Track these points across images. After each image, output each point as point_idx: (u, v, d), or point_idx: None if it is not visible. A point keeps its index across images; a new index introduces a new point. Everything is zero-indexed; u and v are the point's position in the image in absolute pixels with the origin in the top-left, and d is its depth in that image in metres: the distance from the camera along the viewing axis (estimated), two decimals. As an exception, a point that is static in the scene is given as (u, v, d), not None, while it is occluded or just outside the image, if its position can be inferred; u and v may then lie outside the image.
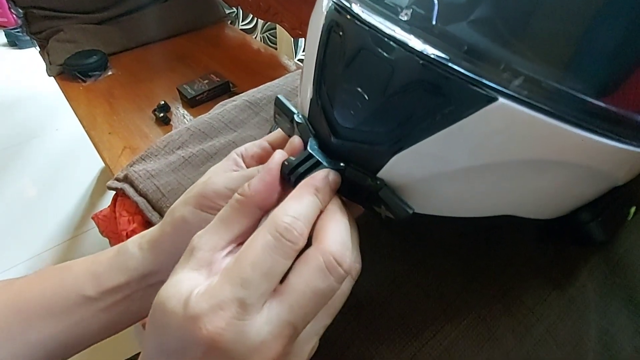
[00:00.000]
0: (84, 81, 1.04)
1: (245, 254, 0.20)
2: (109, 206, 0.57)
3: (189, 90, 0.96)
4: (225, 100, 0.62)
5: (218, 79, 1.00)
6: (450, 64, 0.20)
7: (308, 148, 0.25)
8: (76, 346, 0.29)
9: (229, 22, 1.35)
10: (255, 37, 1.33)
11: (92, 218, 0.60)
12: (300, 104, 0.29)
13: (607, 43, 0.20)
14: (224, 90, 0.99)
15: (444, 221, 0.25)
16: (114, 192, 0.55)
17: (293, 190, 0.23)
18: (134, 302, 0.29)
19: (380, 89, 0.22)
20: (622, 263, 0.34)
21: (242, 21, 1.36)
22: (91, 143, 0.89)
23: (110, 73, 1.08)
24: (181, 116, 0.95)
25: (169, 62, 1.13)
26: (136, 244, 0.29)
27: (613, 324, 0.31)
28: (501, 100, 0.19)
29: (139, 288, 0.29)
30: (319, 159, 0.24)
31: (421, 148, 0.22)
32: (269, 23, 1.29)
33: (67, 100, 1.01)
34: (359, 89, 0.23)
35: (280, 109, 0.28)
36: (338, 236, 0.21)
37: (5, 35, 2.25)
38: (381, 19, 0.22)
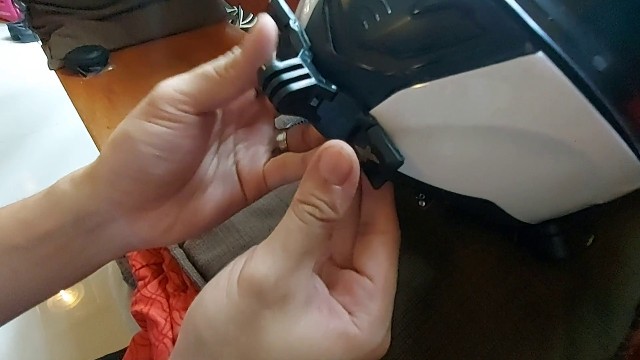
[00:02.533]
0: (85, 76, 1.06)
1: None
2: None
3: (187, 88, 0.97)
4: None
5: (216, 77, 1.01)
6: None
7: (299, 57, 0.21)
8: (14, 305, 0.26)
9: (230, 21, 1.36)
10: (255, 37, 1.34)
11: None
12: (299, 15, 0.25)
13: None
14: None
15: (425, 190, 0.24)
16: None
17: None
18: (74, 254, 0.25)
19: (407, 3, 0.19)
20: (591, 263, 0.35)
21: (242, 20, 1.38)
22: (90, 137, 0.91)
23: (110, 69, 1.09)
24: (179, 113, 0.96)
25: (169, 60, 1.14)
26: (67, 180, 0.25)
27: (581, 321, 0.32)
28: (540, 54, 0.17)
29: (77, 234, 0.25)
30: (309, 72, 0.20)
31: (431, 89, 0.19)
32: (269, 23, 1.30)
33: (67, 94, 1.02)
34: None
35: (275, 12, 0.23)
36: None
37: (9, 29, 2.27)
38: None
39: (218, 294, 0.21)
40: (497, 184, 0.22)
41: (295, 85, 0.20)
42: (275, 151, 0.31)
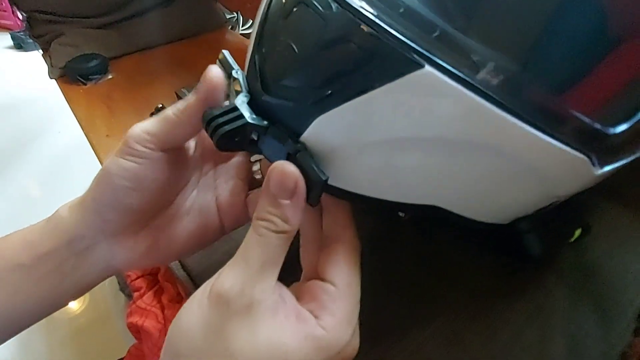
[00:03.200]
0: (85, 84, 1.06)
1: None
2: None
3: (187, 94, 0.97)
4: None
5: (215, 84, 1.01)
6: (379, 22, 0.20)
7: (235, 101, 0.24)
8: (16, 321, 0.29)
9: (230, 27, 1.36)
10: (255, 42, 1.34)
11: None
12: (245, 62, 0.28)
13: (560, 34, 0.20)
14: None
15: (374, 203, 0.25)
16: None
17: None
18: (66, 273, 0.28)
19: (310, 43, 0.22)
20: (592, 269, 0.34)
21: (242, 26, 1.38)
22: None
23: (110, 77, 1.10)
24: (178, 120, 0.96)
25: (169, 67, 1.15)
26: (67, 207, 0.29)
27: (580, 329, 0.32)
28: (428, 68, 0.19)
29: (69, 256, 0.28)
30: (242, 112, 0.24)
31: (343, 112, 0.21)
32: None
33: (67, 103, 1.03)
34: (292, 42, 0.23)
35: (223, 65, 0.28)
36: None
37: (12, 38, 2.29)
38: None
39: (191, 309, 0.23)
40: (434, 189, 0.24)
41: (228, 127, 0.23)
42: (253, 181, 0.34)
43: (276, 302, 0.23)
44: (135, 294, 0.42)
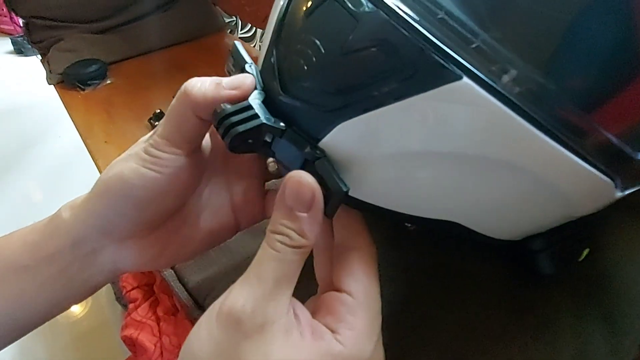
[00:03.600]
0: (83, 90, 1.05)
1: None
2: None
3: (185, 99, 0.97)
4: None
5: (214, 88, 1.00)
6: (418, 27, 0.18)
7: (249, 99, 0.23)
8: (21, 323, 0.28)
9: (229, 31, 1.36)
10: (254, 46, 1.34)
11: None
12: (259, 57, 0.27)
13: (596, 54, 0.19)
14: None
15: (388, 215, 0.24)
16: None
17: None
18: (72, 276, 0.27)
19: (338, 43, 0.20)
20: (599, 282, 0.33)
21: (241, 30, 1.38)
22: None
23: (109, 82, 1.09)
24: (177, 125, 0.96)
25: (168, 71, 1.14)
26: (68, 207, 0.27)
27: (588, 343, 0.31)
28: (466, 80, 0.18)
29: (74, 258, 0.26)
30: (257, 112, 0.22)
31: (369, 120, 0.20)
32: (267, 32, 1.30)
33: (66, 109, 1.02)
34: (317, 41, 0.21)
35: (235, 59, 0.26)
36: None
37: (12, 43, 2.29)
38: None
39: (201, 330, 0.21)
40: (453, 205, 0.23)
41: (242, 127, 0.21)
42: (268, 176, 0.31)
43: (290, 320, 0.21)
44: (131, 306, 0.41)
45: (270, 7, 0.26)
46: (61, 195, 1.53)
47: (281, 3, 0.24)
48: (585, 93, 0.19)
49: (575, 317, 0.32)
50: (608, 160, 0.21)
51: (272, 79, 0.23)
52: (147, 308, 0.40)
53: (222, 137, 0.22)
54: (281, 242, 0.21)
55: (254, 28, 1.34)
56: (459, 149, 0.20)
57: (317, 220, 0.21)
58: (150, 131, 0.88)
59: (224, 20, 1.34)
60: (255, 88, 0.24)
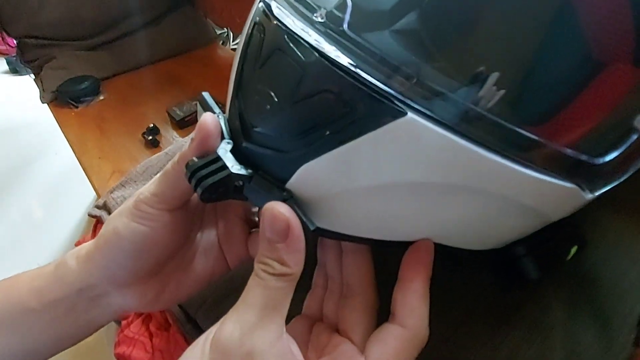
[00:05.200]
0: (76, 107, 1.06)
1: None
2: (91, 234, 0.57)
3: (178, 112, 0.97)
4: (204, 124, 0.62)
5: (207, 100, 1.00)
6: (358, 71, 0.19)
7: (217, 150, 0.24)
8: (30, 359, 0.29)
9: (221, 42, 1.37)
10: (246, 56, 1.34)
11: (75, 245, 0.60)
12: (226, 106, 0.28)
13: (531, 67, 0.19)
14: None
15: (360, 241, 0.25)
16: (95, 220, 0.56)
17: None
18: (78, 316, 0.29)
19: (289, 92, 0.21)
20: (588, 279, 0.33)
21: (233, 41, 1.38)
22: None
23: (102, 98, 1.09)
24: (170, 138, 0.96)
25: (160, 85, 1.14)
26: (74, 257, 0.29)
27: (580, 342, 0.31)
28: (410, 115, 0.18)
29: (80, 301, 0.28)
30: (225, 163, 0.23)
31: (328, 160, 0.21)
32: (259, 42, 1.31)
33: (59, 127, 1.02)
34: (270, 91, 0.22)
35: (203, 108, 0.27)
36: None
37: (7, 62, 2.30)
38: (298, 19, 0.22)
39: (196, 351, 0.22)
40: (426, 227, 0.24)
41: (211, 180, 0.23)
42: (252, 222, 0.33)
43: (283, 353, 0.21)
44: (123, 323, 0.41)
45: None
46: (61, 212, 1.52)
47: (239, 54, 0.25)
48: (533, 109, 0.19)
49: (565, 316, 0.32)
50: (567, 169, 0.21)
51: (236, 128, 0.24)
52: (139, 324, 0.39)
53: (194, 190, 0.23)
54: (265, 271, 0.22)
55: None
56: (415, 179, 0.20)
57: (295, 248, 0.22)
58: (143, 146, 0.88)
59: (216, 32, 1.34)
60: (223, 137, 0.25)
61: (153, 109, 1.04)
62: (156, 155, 0.58)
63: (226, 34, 1.41)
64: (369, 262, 0.27)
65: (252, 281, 0.22)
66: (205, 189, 0.22)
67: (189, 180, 0.23)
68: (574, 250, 0.29)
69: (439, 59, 0.19)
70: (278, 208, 0.21)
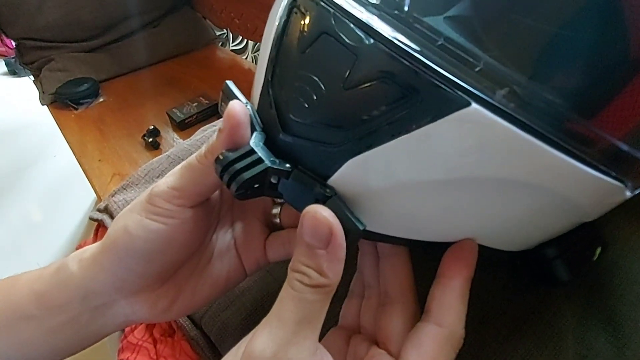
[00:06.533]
0: (76, 109, 1.05)
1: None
2: (92, 237, 0.57)
3: (178, 114, 0.97)
4: (207, 126, 0.62)
5: (207, 102, 1.00)
6: (420, 57, 0.18)
7: (250, 142, 0.22)
8: None
9: (220, 43, 1.36)
10: (246, 58, 1.34)
11: (77, 249, 0.60)
12: (252, 95, 0.26)
13: (595, 61, 0.18)
14: (213, 112, 1.00)
15: (402, 243, 0.24)
16: (97, 223, 0.55)
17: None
18: (81, 326, 0.26)
19: (339, 80, 0.20)
20: (599, 284, 0.33)
21: (232, 42, 1.38)
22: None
23: (101, 100, 1.09)
24: (171, 140, 0.95)
25: (160, 87, 1.14)
26: (76, 260, 0.26)
27: (591, 349, 0.30)
28: (474, 106, 0.17)
29: (84, 310, 0.26)
30: (261, 156, 0.21)
31: (381, 153, 0.19)
32: (259, 43, 1.31)
33: (59, 129, 1.02)
34: (316, 78, 0.20)
35: (227, 97, 0.24)
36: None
37: (5, 64, 2.30)
38: (348, 0, 0.20)
39: None
40: (469, 227, 0.22)
41: (248, 174, 0.20)
42: (272, 224, 0.31)
43: None
44: (127, 329, 0.40)
45: (260, 20, 0.25)
46: (60, 215, 1.51)
47: (272, 39, 0.23)
48: (594, 103, 0.19)
49: (577, 322, 0.31)
50: (619, 166, 0.20)
51: (271, 118, 0.22)
52: (143, 330, 0.39)
53: (228, 186, 0.21)
54: (300, 281, 0.20)
55: (246, 40, 1.34)
56: (473, 174, 0.19)
57: (337, 257, 0.20)
58: (144, 148, 0.87)
59: (215, 34, 1.34)
60: (254, 129, 0.23)
61: (153, 111, 1.03)
62: (157, 158, 0.57)
63: (225, 35, 1.41)
64: (408, 267, 0.25)
65: (285, 293, 0.20)
66: (241, 184, 0.20)
67: (221, 175, 0.21)
68: (598, 251, 0.28)
69: (502, 48, 0.18)
70: (321, 211, 0.19)
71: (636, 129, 0.20)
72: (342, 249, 0.20)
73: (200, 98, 1.01)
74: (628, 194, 0.22)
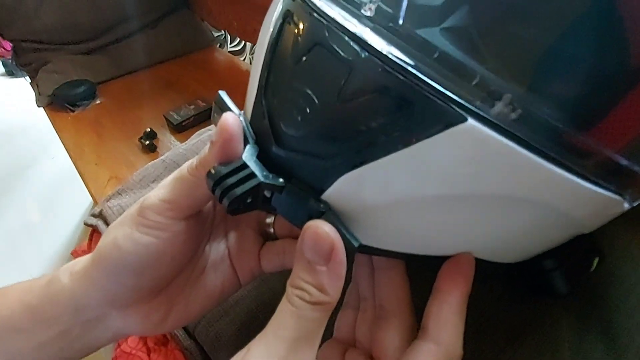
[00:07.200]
0: (72, 111, 1.05)
1: None
2: (87, 242, 0.56)
3: (175, 117, 0.96)
4: (202, 130, 0.62)
5: (204, 104, 1.00)
6: (415, 72, 0.17)
7: (243, 156, 0.21)
8: None
9: (218, 45, 1.36)
10: (244, 59, 1.34)
11: (72, 254, 0.59)
12: (246, 105, 0.25)
13: (595, 74, 0.18)
14: (211, 115, 0.99)
15: (398, 256, 0.23)
16: (91, 228, 0.55)
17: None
18: (72, 339, 0.26)
19: (333, 93, 0.19)
20: (596, 294, 0.32)
21: (230, 44, 1.37)
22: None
23: (98, 102, 1.09)
24: (168, 142, 0.95)
25: (157, 89, 1.14)
26: (67, 273, 0.26)
27: (587, 359, 0.30)
28: (471, 121, 0.17)
29: (75, 323, 0.25)
30: (254, 171, 0.21)
31: (376, 168, 0.19)
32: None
33: (56, 131, 1.01)
34: (309, 91, 0.20)
35: (220, 108, 0.24)
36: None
37: (3, 65, 2.29)
38: (342, 12, 0.19)
39: None
40: (465, 241, 0.22)
41: (240, 189, 0.20)
42: (266, 234, 0.30)
43: None
44: (120, 337, 0.40)
45: (259, 22, 0.25)
46: (56, 218, 1.51)
47: (265, 49, 0.23)
48: (593, 116, 0.18)
49: (573, 332, 0.31)
50: (617, 179, 0.20)
51: (264, 131, 0.22)
52: (136, 339, 0.39)
53: (220, 201, 0.21)
54: (300, 298, 0.19)
55: (244, 41, 1.34)
56: (469, 190, 0.19)
57: (338, 274, 0.20)
58: (140, 150, 0.87)
59: (213, 35, 1.34)
60: (247, 141, 0.22)
61: (150, 113, 1.03)
62: (152, 162, 0.57)
63: (223, 37, 1.41)
64: (405, 280, 0.25)
65: (284, 307, 0.20)
66: (233, 200, 0.20)
67: (212, 189, 0.21)
68: (595, 261, 0.28)
69: (500, 60, 0.17)
70: (323, 227, 0.19)
71: (635, 142, 0.20)
72: (343, 265, 0.20)
73: (198, 100, 1.01)
74: (626, 206, 0.22)
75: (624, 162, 0.20)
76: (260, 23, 0.24)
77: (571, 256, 0.26)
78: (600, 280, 0.33)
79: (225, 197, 0.20)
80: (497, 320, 0.31)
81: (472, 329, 0.31)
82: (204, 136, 0.59)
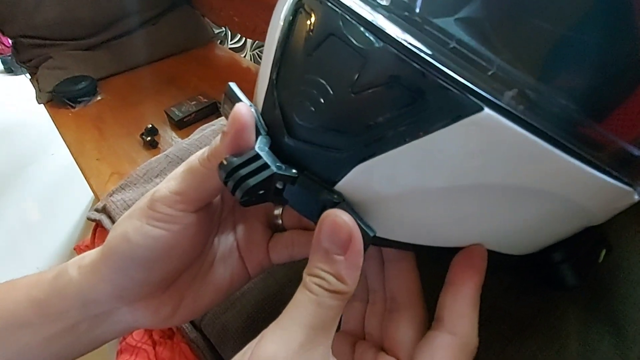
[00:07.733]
0: (73, 107, 1.05)
1: None
2: (90, 237, 0.56)
3: (177, 113, 0.96)
4: (204, 125, 0.62)
5: (206, 100, 1.00)
6: (432, 61, 0.17)
7: (255, 147, 0.21)
8: None
9: (219, 41, 1.36)
10: (245, 56, 1.33)
11: (74, 249, 0.59)
12: (256, 98, 0.25)
13: (609, 63, 0.18)
14: (212, 111, 0.99)
15: (409, 248, 0.23)
16: (95, 223, 0.55)
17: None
18: (80, 334, 0.26)
19: (347, 83, 0.19)
20: (603, 286, 0.32)
21: (231, 40, 1.37)
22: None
23: (99, 98, 1.08)
24: (169, 139, 0.95)
25: (158, 85, 1.13)
26: (76, 267, 0.26)
27: (595, 351, 0.30)
28: (487, 110, 0.17)
29: (83, 318, 0.25)
30: (267, 162, 0.20)
31: (390, 159, 0.19)
32: (257, 41, 1.30)
33: (56, 127, 1.01)
34: (323, 81, 0.20)
35: (230, 99, 0.24)
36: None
37: (2, 62, 2.29)
38: (356, 1, 0.19)
39: None
40: (477, 232, 0.22)
41: (253, 180, 0.20)
42: (274, 226, 0.30)
43: None
44: (126, 331, 0.40)
45: (260, 18, 0.25)
46: (58, 214, 1.51)
47: (276, 39, 0.22)
48: (607, 107, 0.18)
49: (581, 323, 0.31)
50: (629, 170, 0.20)
51: (276, 122, 0.22)
52: (142, 332, 0.38)
53: (232, 192, 0.20)
54: (318, 285, 0.19)
55: (244, 38, 1.34)
56: (483, 180, 0.19)
57: (356, 263, 0.19)
58: (142, 147, 0.87)
59: (213, 31, 1.33)
60: (259, 132, 0.22)
61: (151, 109, 1.03)
62: (156, 157, 0.57)
63: (224, 33, 1.40)
64: (415, 272, 0.25)
65: (302, 295, 0.20)
66: (246, 191, 0.20)
67: (225, 181, 0.20)
68: (603, 253, 0.28)
69: (515, 51, 0.17)
70: (341, 216, 0.19)
71: None
72: (361, 255, 0.19)
73: (199, 96, 1.01)
74: (637, 197, 0.22)
75: (637, 152, 0.20)
76: (262, 20, 0.24)
77: (579, 248, 0.26)
78: (608, 272, 0.33)
79: (239, 189, 0.20)
80: (505, 312, 0.31)
81: (480, 319, 0.31)
82: (207, 131, 0.59)
